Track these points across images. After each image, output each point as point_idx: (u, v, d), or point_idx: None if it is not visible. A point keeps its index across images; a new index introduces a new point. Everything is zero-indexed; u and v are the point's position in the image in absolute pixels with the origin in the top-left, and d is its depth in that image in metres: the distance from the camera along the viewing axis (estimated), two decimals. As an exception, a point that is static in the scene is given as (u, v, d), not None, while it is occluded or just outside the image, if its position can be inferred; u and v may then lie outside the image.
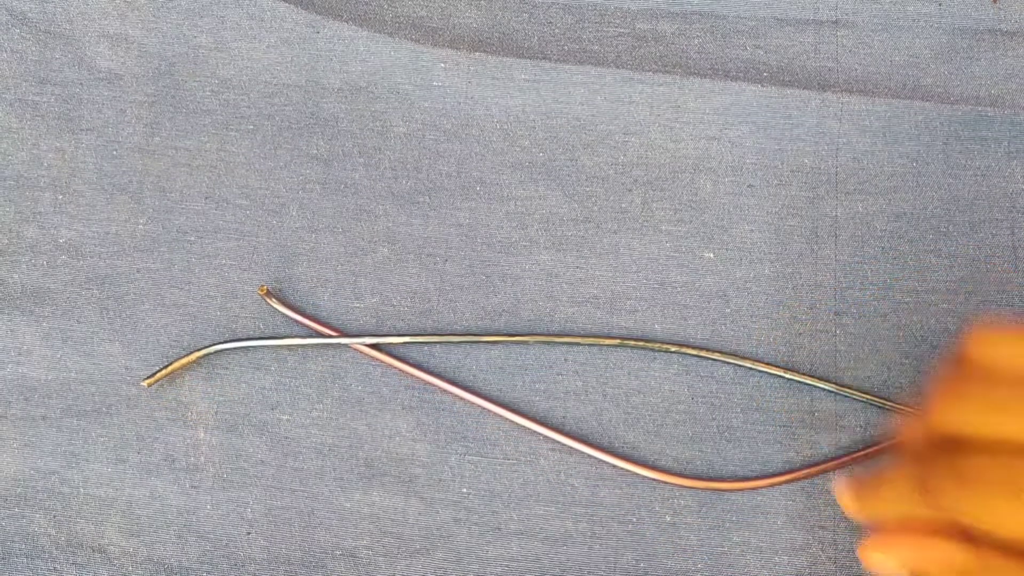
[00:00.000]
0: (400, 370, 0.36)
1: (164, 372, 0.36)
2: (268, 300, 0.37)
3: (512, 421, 0.36)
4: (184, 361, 0.37)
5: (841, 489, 0.28)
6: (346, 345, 0.37)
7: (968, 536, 0.24)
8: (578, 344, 0.37)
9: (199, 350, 0.37)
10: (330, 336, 0.36)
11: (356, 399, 0.37)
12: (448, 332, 0.36)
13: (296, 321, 0.37)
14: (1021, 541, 0.23)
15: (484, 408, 0.36)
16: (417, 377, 0.36)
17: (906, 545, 0.26)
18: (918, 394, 0.26)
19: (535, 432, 0.36)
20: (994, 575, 0.24)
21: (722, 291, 0.37)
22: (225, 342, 0.37)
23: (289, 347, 0.37)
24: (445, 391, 0.36)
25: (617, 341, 0.36)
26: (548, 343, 0.37)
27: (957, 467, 0.24)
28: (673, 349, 0.36)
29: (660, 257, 0.37)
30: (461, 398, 0.36)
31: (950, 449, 0.25)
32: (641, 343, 0.36)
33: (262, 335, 0.37)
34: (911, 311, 0.36)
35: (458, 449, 0.36)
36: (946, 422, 0.25)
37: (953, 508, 0.24)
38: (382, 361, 0.37)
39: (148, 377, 0.37)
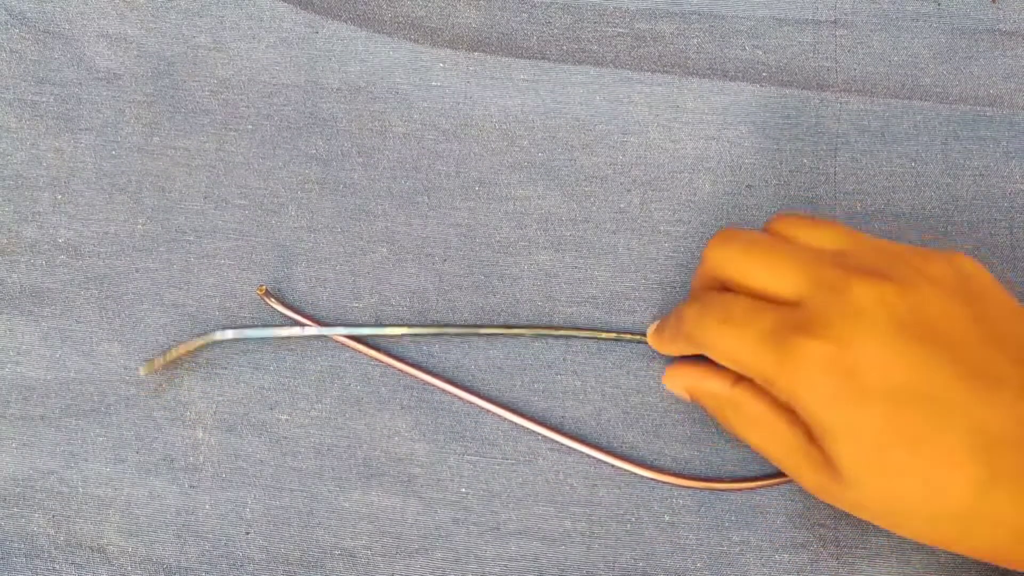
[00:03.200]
0: (399, 369, 0.36)
1: (162, 360, 0.36)
2: (267, 300, 0.37)
3: (511, 421, 0.36)
4: (185, 348, 0.36)
5: (650, 332, 0.35)
6: (346, 340, 0.37)
7: (735, 375, 0.30)
8: (575, 337, 0.37)
9: (199, 337, 0.36)
10: (312, 327, 0.36)
11: (355, 399, 0.37)
12: (448, 324, 0.36)
13: (295, 321, 0.37)
14: (731, 362, 0.29)
15: (483, 408, 0.36)
16: (416, 376, 0.36)
17: (687, 374, 0.33)
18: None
19: (534, 432, 0.36)
20: (736, 407, 0.30)
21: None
22: (226, 329, 0.37)
23: (287, 338, 0.37)
24: (444, 391, 0.36)
25: (614, 335, 0.36)
26: (541, 335, 0.37)
27: (702, 300, 0.30)
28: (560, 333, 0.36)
29: (659, 257, 0.37)
30: (460, 398, 0.36)
31: (710, 288, 0.31)
32: (639, 337, 0.36)
33: (266, 324, 0.37)
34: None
35: (457, 449, 0.36)
36: (712, 265, 0.31)
37: (688, 332, 0.30)
38: (381, 361, 0.37)
39: (145, 362, 0.36)
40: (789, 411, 0.28)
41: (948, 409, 0.26)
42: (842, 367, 0.26)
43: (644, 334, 0.36)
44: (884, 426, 0.26)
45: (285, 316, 0.37)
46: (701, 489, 0.35)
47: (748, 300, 0.29)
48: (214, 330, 0.37)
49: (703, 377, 0.32)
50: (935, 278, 0.27)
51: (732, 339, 0.28)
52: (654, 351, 0.36)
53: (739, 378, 0.30)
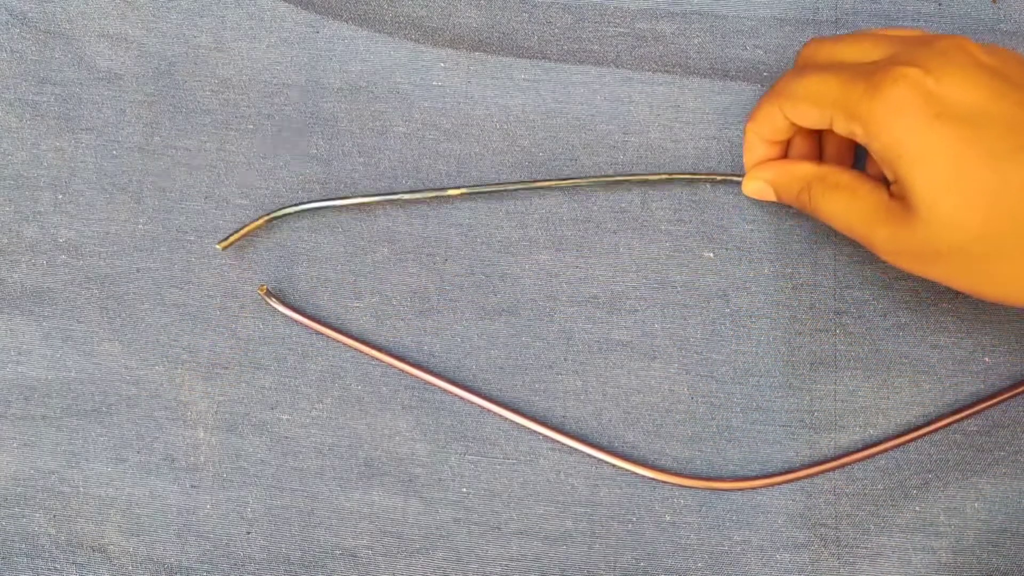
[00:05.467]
0: (400, 369, 0.36)
1: (237, 236, 0.37)
2: (268, 300, 0.37)
3: (511, 421, 0.36)
4: (254, 225, 0.38)
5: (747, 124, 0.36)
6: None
7: (813, 154, 0.35)
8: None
9: (268, 214, 0.38)
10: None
11: (356, 398, 0.37)
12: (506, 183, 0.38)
13: (296, 321, 0.37)
14: (822, 98, 0.31)
15: (484, 408, 0.36)
16: (417, 376, 0.36)
17: (773, 164, 0.35)
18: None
19: (534, 431, 0.36)
20: (822, 179, 0.33)
21: (722, 291, 0.37)
22: (293, 205, 0.38)
23: (357, 205, 0.38)
24: (445, 391, 0.36)
25: (664, 176, 0.37)
26: (619, 182, 0.37)
27: (798, 66, 0.34)
28: (719, 179, 0.37)
29: (660, 257, 0.37)
30: (461, 397, 0.36)
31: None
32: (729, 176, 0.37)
33: (329, 196, 0.38)
34: (911, 311, 0.36)
35: (458, 449, 0.36)
36: (804, 55, 0.34)
37: (782, 88, 0.33)
38: (382, 360, 0.37)
39: (222, 240, 0.37)
40: (872, 180, 0.31)
41: None
42: (927, 90, 0.28)
43: (727, 174, 0.37)
44: (963, 146, 0.27)
45: (286, 316, 0.37)
46: (702, 489, 0.35)
47: (840, 62, 0.32)
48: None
49: (789, 163, 0.34)
50: (1015, 54, 0.30)
51: (827, 78, 0.30)
52: (654, 351, 0.36)
53: (820, 160, 0.34)
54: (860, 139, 0.30)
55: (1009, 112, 0.28)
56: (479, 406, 0.36)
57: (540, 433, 0.36)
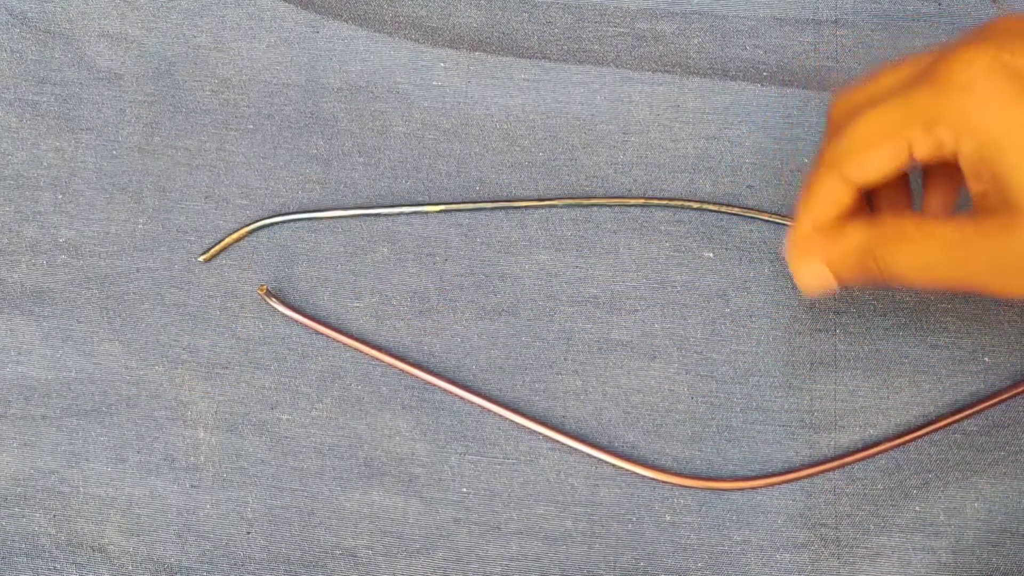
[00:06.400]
0: (400, 369, 0.36)
1: (218, 247, 0.38)
2: (268, 300, 0.37)
3: (511, 420, 0.36)
4: (235, 236, 0.38)
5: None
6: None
7: (864, 212, 0.28)
8: (605, 206, 0.37)
9: (248, 224, 0.38)
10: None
11: (356, 398, 0.37)
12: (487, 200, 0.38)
13: (296, 320, 0.37)
14: (888, 124, 0.26)
15: (484, 408, 0.36)
16: (418, 376, 0.36)
17: (814, 248, 0.28)
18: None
19: (534, 431, 0.36)
20: (883, 233, 0.27)
21: (722, 291, 0.37)
22: (278, 215, 0.38)
23: (338, 218, 0.38)
24: (445, 391, 0.36)
25: (642, 200, 0.37)
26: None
27: (838, 128, 0.28)
28: (695, 206, 0.37)
29: (660, 257, 0.37)
30: (461, 397, 0.36)
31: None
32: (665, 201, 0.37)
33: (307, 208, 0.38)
34: (911, 311, 0.36)
35: (458, 449, 0.36)
36: (838, 112, 0.29)
37: (837, 138, 0.27)
38: (382, 360, 0.37)
39: (203, 253, 0.38)
40: (939, 217, 0.27)
41: None
42: (1004, 66, 0.24)
43: (704, 201, 0.36)
44: None
45: (286, 316, 0.37)
46: (702, 489, 0.35)
47: (888, 90, 0.27)
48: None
49: (835, 232, 0.28)
50: None
51: (880, 109, 0.26)
52: (654, 351, 0.36)
53: (873, 216, 0.28)
54: (948, 148, 0.25)
55: None
56: (479, 406, 0.36)
57: (540, 433, 0.35)
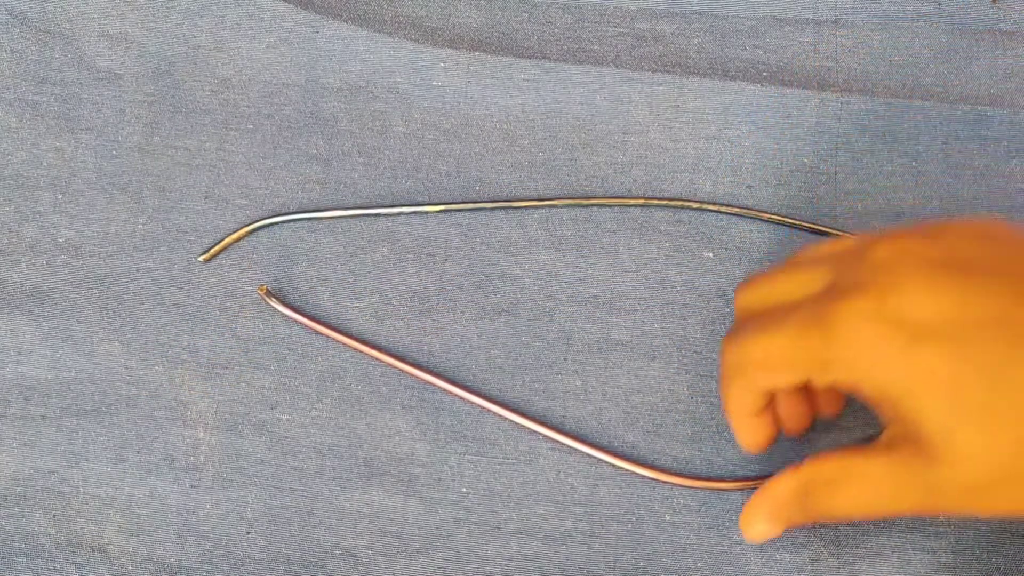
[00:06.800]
0: (400, 369, 0.36)
1: (218, 248, 0.38)
2: (267, 300, 0.37)
3: (511, 420, 0.36)
4: (235, 237, 0.38)
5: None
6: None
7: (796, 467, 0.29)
8: (605, 206, 0.37)
9: (247, 224, 0.38)
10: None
11: (356, 398, 0.37)
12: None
13: (296, 320, 0.37)
14: (781, 364, 0.27)
15: (484, 408, 0.36)
16: (417, 377, 0.36)
17: (755, 505, 0.30)
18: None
19: (534, 431, 0.36)
20: (814, 479, 0.28)
21: (722, 291, 0.37)
22: (278, 215, 0.38)
23: (338, 218, 0.38)
24: (445, 391, 0.36)
25: (642, 200, 0.37)
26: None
27: (734, 328, 0.29)
28: (695, 206, 0.37)
29: (660, 257, 0.37)
30: (461, 397, 0.36)
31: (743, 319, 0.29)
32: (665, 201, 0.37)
33: (311, 208, 0.38)
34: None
35: (458, 449, 0.36)
36: (740, 307, 0.30)
37: (731, 363, 0.28)
38: (382, 360, 0.37)
39: (203, 253, 0.38)
40: (861, 450, 0.27)
41: (1019, 332, 0.23)
42: (888, 317, 0.24)
43: (704, 201, 0.36)
44: (954, 365, 0.23)
45: (286, 316, 0.37)
46: (702, 489, 0.35)
47: (780, 306, 0.28)
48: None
49: (768, 491, 0.29)
50: (958, 229, 0.26)
51: (775, 337, 0.27)
52: (654, 351, 0.36)
53: (797, 465, 0.29)
54: (845, 388, 0.26)
55: (984, 309, 0.24)
56: (478, 406, 0.36)
57: (539, 433, 0.35)
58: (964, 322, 0.24)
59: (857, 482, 0.27)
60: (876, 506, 0.27)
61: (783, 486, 0.29)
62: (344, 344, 0.37)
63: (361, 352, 0.37)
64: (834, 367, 0.25)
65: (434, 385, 0.36)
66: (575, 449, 0.35)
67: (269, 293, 0.37)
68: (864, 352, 0.24)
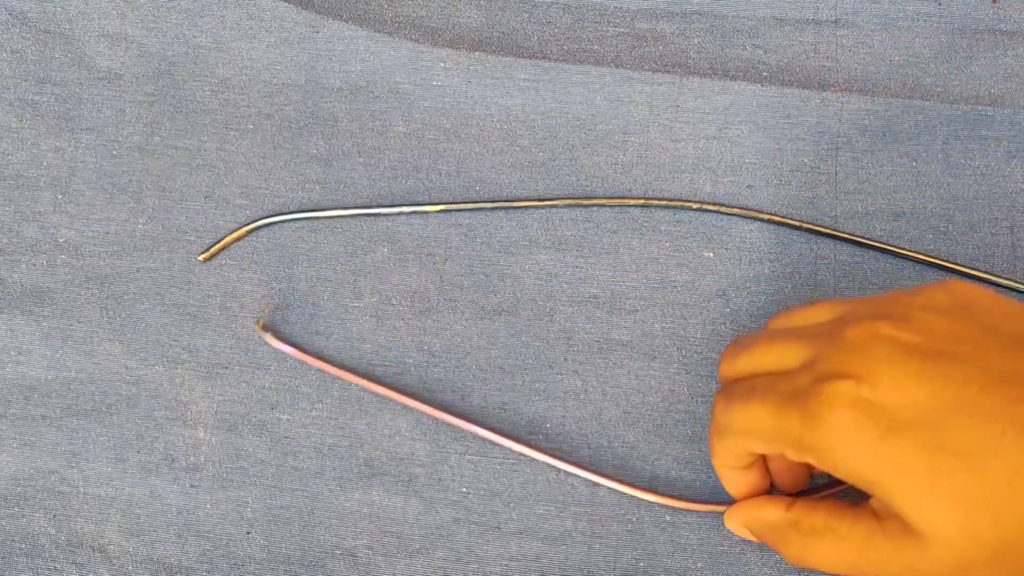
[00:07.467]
0: (403, 403, 0.36)
1: (218, 247, 0.38)
2: (263, 334, 0.36)
3: (520, 453, 0.35)
4: (235, 235, 0.38)
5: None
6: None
7: (789, 500, 0.30)
8: (604, 206, 0.37)
9: (247, 224, 0.38)
10: (337, 368, 0.36)
11: (356, 399, 0.37)
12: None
13: (292, 355, 0.36)
14: (761, 435, 0.27)
15: (487, 440, 0.35)
16: (421, 410, 0.35)
17: (743, 509, 0.31)
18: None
19: (536, 453, 0.35)
20: (796, 525, 0.29)
21: (722, 291, 0.37)
22: (277, 215, 0.38)
23: (338, 217, 0.38)
24: (449, 422, 0.36)
25: (642, 200, 0.37)
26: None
27: (727, 389, 0.30)
28: (695, 207, 0.37)
29: (660, 257, 0.37)
30: (469, 431, 0.35)
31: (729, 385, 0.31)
32: (665, 201, 0.37)
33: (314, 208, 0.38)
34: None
35: (458, 448, 0.36)
36: (725, 376, 0.31)
37: (720, 423, 0.29)
38: (383, 395, 0.36)
39: (203, 252, 0.38)
40: (851, 509, 0.27)
41: (990, 417, 0.24)
42: (864, 404, 0.25)
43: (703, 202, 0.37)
44: (931, 454, 0.24)
45: (283, 351, 0.37)
46: (704, 512, 0.34)
47: (767, 376, 0.28)
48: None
49: (758, 506, 0.31)
50: (929, 306, 0.27)
51: (757, 410, 0.27)
52: (654, 351, 0.36)
53: (792, 501, 0.30)
54: (820, 468, 0.26)
55: (958, 396, 0.24)
56: (486, 439, 0.35)
57: (541, 461, 0.35)
58: (938, 409, 0.24)
59: (839, 542, 0.27)
60: (850, 568, 0.27)
61: (771, 513, 0.30)
62: (342, 377, 0.37)
63: (360, 384, 0.36)
64: (810, 451, 0.26)
65: (440, 417, 0.36)
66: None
67: (265, 327, 0.36)
68: (840, 441, 0.25)
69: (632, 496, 0.35)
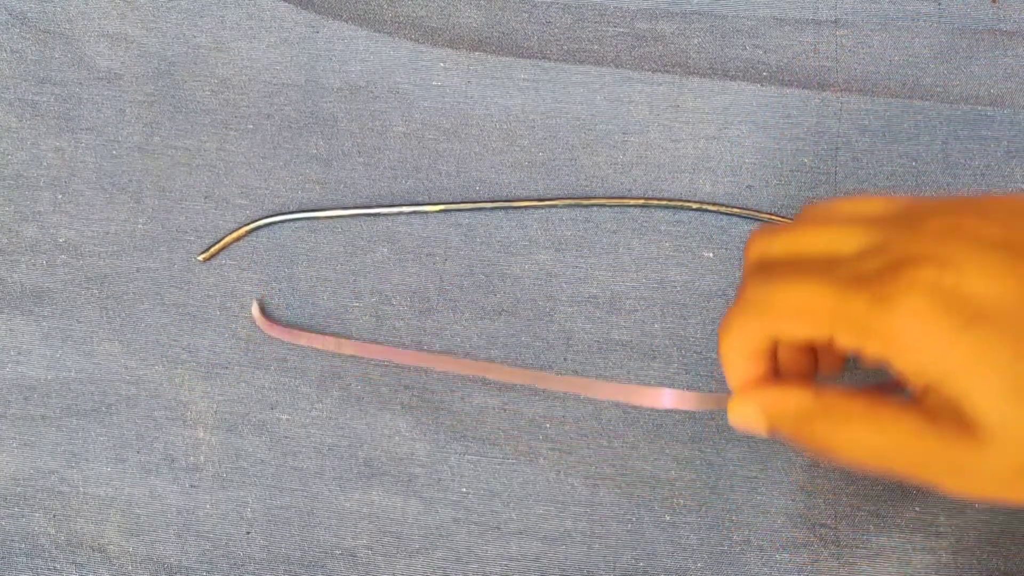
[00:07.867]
0: (390, 358, 0.36)
1: (217, 247, 0.38)
2: (257, 318, 0.37)
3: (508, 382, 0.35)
4: (235, 235, 0.38)
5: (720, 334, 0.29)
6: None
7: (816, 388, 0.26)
8: (604, 206, 0.37)
9: (247, 224, 0.38)
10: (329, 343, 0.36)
11: (356, 398, 0.37)
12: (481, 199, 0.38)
13: (283, 339, 0.37)
14: (812, 315, 0.25)
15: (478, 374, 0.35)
16: (414, 360, 0.36)
17: (762, 393, 0.27)
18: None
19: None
20: (828, 412, 0.26)
21: (722, 290, 0.37)
22: (276, 215, 0.38)
23: (338, 217, 0.38)
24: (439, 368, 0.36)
25: (642, 200, 0.37)
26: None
27: (765, 268, 0.27)
28: (695, 207, 0.37)
29: (660, 257, 0.37)
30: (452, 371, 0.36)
31: (765, 266, 0.27)
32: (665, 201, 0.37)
33: (314, 207, 0.37)
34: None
35: (457, 449, 0.36)
36: (755, 255, 0.28)
37: (754, 300, 0.26)
38: (380, 356, 0.37)
39: (203, 252, 0.38)
40: (891, 391, 0.25)
41: None
42: (946, 291, 0.23)
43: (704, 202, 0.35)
44: (1013, 353, 0.22)
45: (271, 337, 0.37)
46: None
47: (821, 259, 0.26)
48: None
49: (781, 390, 0.27)
50: (1008, 205, 0.25)
51: (814, 288, 0.25)
52: (654, 351, 0.36)
53: (822, 387, 0.27)
54: (873, 357, 0.24)
55: None
56: (495, 380, 0.36)
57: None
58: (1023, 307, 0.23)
59: (879, 430, 0.25)
60: (884, 458, 0.25)
61: (794, 399, 0.27)
62: (335, 352, 0.37)
63: (356, 355, 0.37)
64: (872, 336, 0.24)
65: (432, 367, 0.36)
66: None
67: (263, 311, 0.37)
68: (913, 328, 0.23)
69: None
